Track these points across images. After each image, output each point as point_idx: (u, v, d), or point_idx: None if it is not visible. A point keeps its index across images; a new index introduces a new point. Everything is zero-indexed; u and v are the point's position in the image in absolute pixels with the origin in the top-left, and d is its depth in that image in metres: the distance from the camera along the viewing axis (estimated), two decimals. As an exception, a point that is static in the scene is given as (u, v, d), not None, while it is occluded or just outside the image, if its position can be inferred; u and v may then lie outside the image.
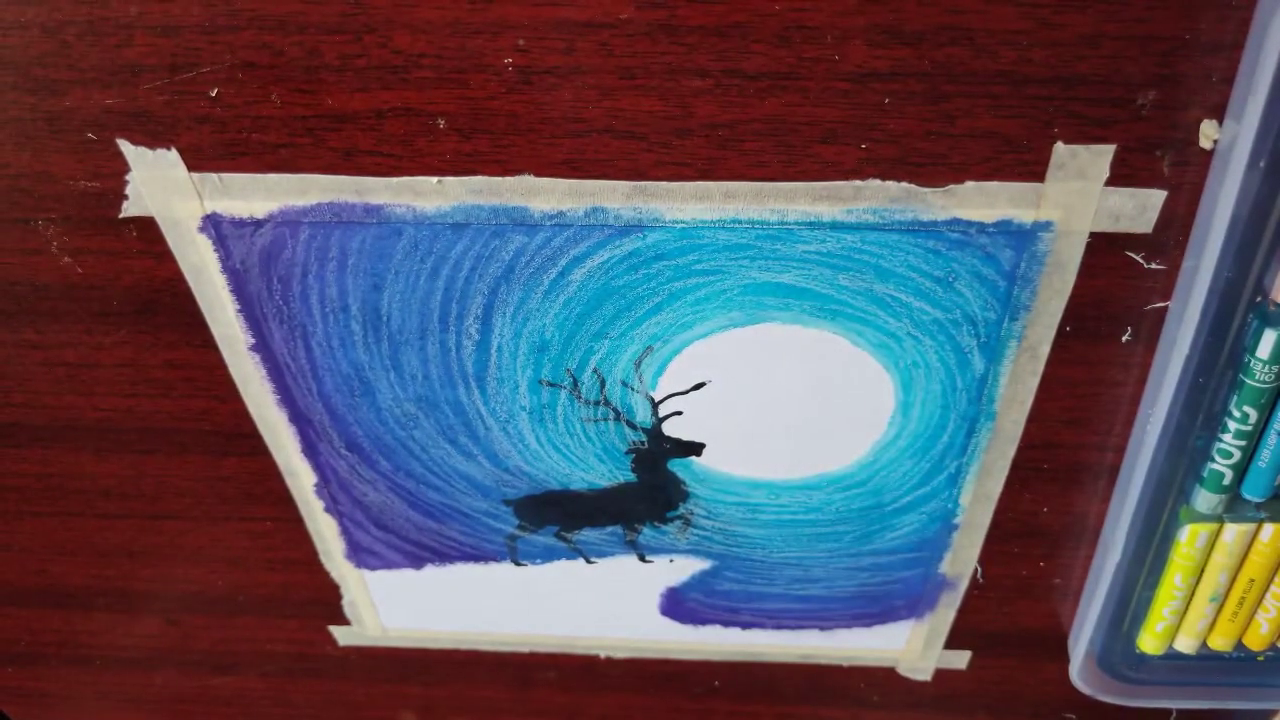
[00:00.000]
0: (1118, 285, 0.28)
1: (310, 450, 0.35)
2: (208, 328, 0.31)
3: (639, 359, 0.31)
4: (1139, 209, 0.26)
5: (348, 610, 0.42)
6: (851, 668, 0.43)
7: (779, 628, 0.41)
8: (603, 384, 0.31)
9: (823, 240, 0.27)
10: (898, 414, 0.32)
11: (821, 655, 0.42)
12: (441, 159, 0.26)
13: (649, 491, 0.35)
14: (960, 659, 0.42)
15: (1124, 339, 0.29)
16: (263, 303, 0.30)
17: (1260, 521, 0.32)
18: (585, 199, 0.27)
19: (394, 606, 0.42)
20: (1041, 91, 0.24)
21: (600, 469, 0.34)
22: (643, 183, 0.26)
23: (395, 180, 0.27)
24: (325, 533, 0.38)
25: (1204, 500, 0.31)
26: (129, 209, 0.28)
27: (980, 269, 0.27)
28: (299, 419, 0.33)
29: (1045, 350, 0.29)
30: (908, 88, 0.24)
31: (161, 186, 0.27)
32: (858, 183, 0.26)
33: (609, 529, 0.37)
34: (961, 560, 0.37)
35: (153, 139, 0.26)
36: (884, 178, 0.26)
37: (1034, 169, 0.25)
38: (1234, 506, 0.32)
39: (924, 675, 0.43)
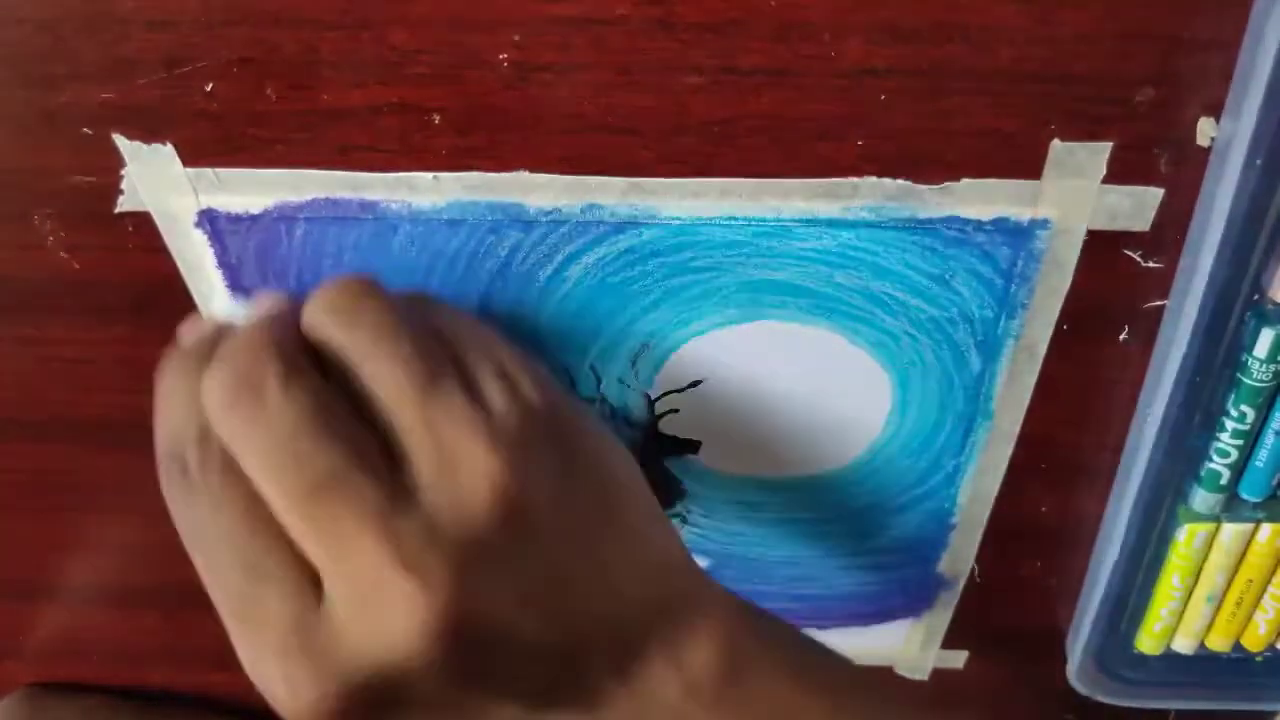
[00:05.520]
0: (1115, 283, 0.28)
1: (307, 447, 0.34)
2: (204, 324, 0.31)
3: (635, 356, 0.30)
4: (1136, 207, 0.26)
5: (345, 607, 0.42)
6: (849, 667, 0.43)
7: (776, 626, 0.41)
8: (599, 381, 0.31)
9: (819, 237, 0.27)
10: (895, 412, 0.32)
11: (819, 654, 0.42)
12: (437, 155, 0.26)
13: (646, 489, 0.35)
14: (957, 658, 0.42)
15: (1121, 338, 0.29)
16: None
17: (1258, 521, 0.32)
18: (581, 195, 0.27)
19: (391, 604, 0.41)
20: (1039, 89, 0.24)
21: (597, 467, 0.34)
22: (639, 179, 0.26)
23: (391, 176, 0.27)
24: (322, 529, 0.38)
25: (1201, 500, 0.31)
26: (125, 204, 0.28)
27: (977, 267, 0.27)
28: (295, 415, 0.33)
29: (1042, 349, 0.29)
30: (905, 85, 0.24)
31: (157, 182, 0.27)
32: (855, 180, 0.26)
33: (606, 527, 0.37)
34: (959, 559, 0.37)
35: (148, 134, 0.26)
36: (881, 175, 0.26)
37: (1031, 167, 0.25)
38: (1232, 506, 0.32)
39: (921, 675, 0.43)
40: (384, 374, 0.22)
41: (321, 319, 0.24)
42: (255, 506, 0.22)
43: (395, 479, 0.22)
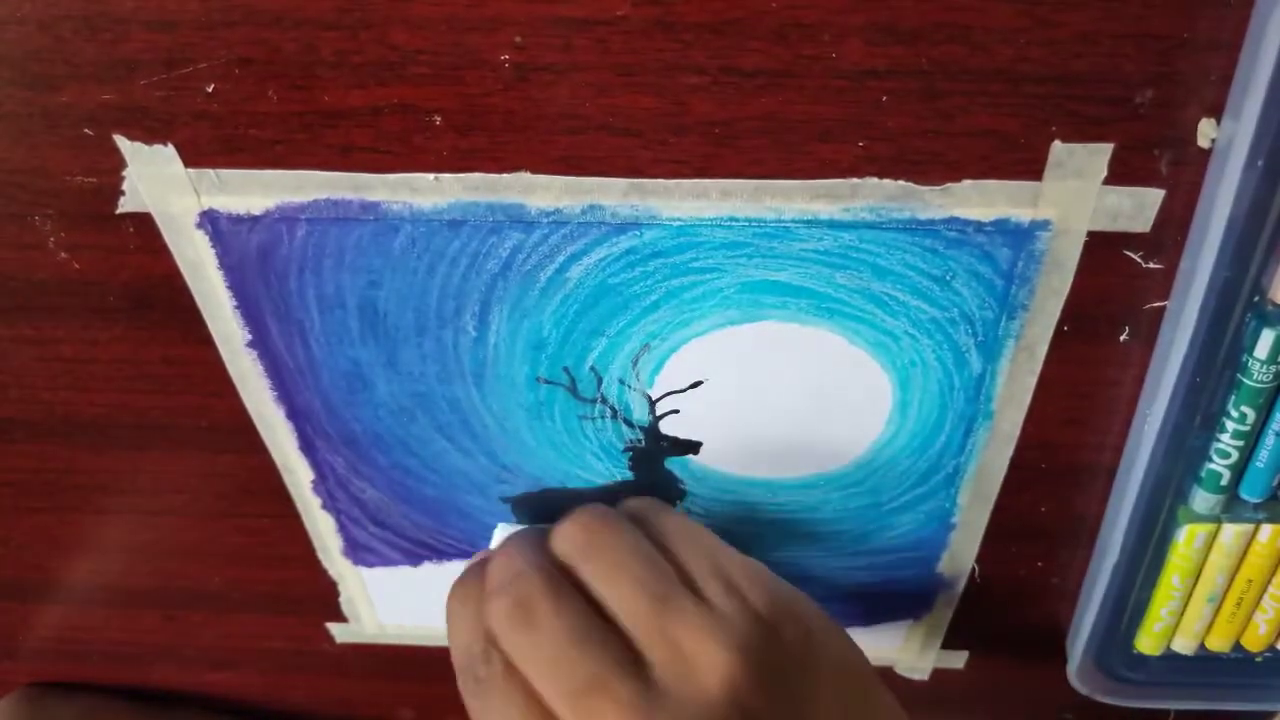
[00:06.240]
0: (1116, 284, 0.28)
1: (307, 446, 0.35)
2: (205, 324, 0.31)
3: (636, 357, 0.31)
4: (1137, 208, 0.26)
5: (345, 607, 0.42)
6: (849, 667, 0.43)
7: (776, 627, 0.41)
8: (600, 382, 0.31)
9: (820, 238, 0.27)
10: (895, 413, 0.32)
11: (819, 654, 0.42)
12: (438, 156, 0.26)
13: (646, 489, 0.35)
14: (958, 659, 0.42)
15: (1122, 339, 0.29)
16: (260, 299, 0.30)
17: (1258, 522, 0.32)
18: (582, 196, 0.27)
19: (391, 604, 0.42)
20: (1039, 90, 0.24)
21: (598, 467, 0.34)
22: (639, 180, 0.26)
23: (392, 177, 0.27)
24: (322, 529, 0.38)
25: (1202, 501, 0.31)
26: (126, 205, 0.28)
27: (978, 268, 0.27)
28: (296, 415, 0.33)
29: (1043, 350, 0.29)
30: (905, 86, 0.24)
31: (158, 182, 0.27)
32: (855, 181, 0.26)
33: (606, 527, 0.37)
34: (959, 560, 0.37)
35: (149, 135, 0.26)
36: (881, 176, 0.26)
37: (1031, 168, 0.25)
38: (1232, 507, 0.32)
39: (921, 675, 0.43)
40: (618, 598, 0.27)
41: (565, 550, 0.29)
42: (534, 703, 0.26)
43: (644, 676, 0.26)
